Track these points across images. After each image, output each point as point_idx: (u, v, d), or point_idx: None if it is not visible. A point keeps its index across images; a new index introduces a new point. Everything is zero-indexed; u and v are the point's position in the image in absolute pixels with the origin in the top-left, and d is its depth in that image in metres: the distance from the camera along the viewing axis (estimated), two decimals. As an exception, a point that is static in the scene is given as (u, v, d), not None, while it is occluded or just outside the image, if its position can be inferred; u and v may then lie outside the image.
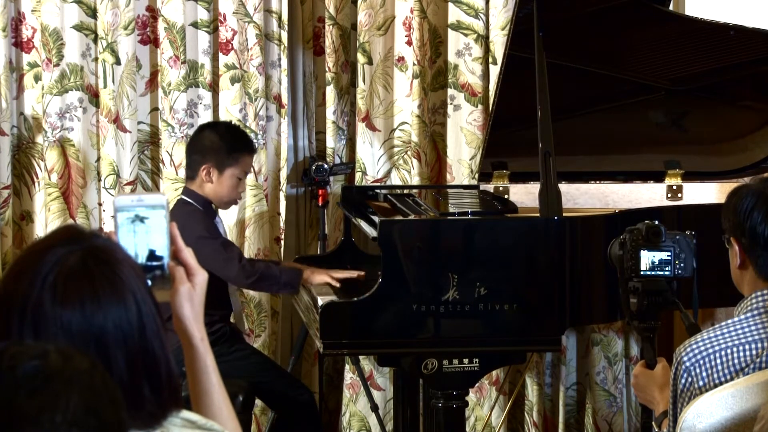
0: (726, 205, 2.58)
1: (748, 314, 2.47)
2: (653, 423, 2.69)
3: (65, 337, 1.49)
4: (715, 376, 2.42)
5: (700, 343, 2.44)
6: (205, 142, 3.96)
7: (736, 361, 2.42)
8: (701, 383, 2.42)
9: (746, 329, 2.45)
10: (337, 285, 3.77)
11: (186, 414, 1.63)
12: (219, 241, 3.89)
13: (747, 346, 2.43)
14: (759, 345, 2.43)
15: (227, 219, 4.53)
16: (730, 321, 2.49)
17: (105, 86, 4.53)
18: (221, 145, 3.94)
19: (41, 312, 1.50)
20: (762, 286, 2.49)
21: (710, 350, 2.43)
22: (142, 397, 1.52)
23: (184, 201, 3.97)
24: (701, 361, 2.42)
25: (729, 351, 2.42)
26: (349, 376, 4.59)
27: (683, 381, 2.44)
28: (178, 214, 3.80)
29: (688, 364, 2.43)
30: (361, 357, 4.40)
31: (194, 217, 3.86)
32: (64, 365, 1.29)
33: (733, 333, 2.45)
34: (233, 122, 4.39)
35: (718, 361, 2.42)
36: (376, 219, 3.66)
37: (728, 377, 2.41)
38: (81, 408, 1.26)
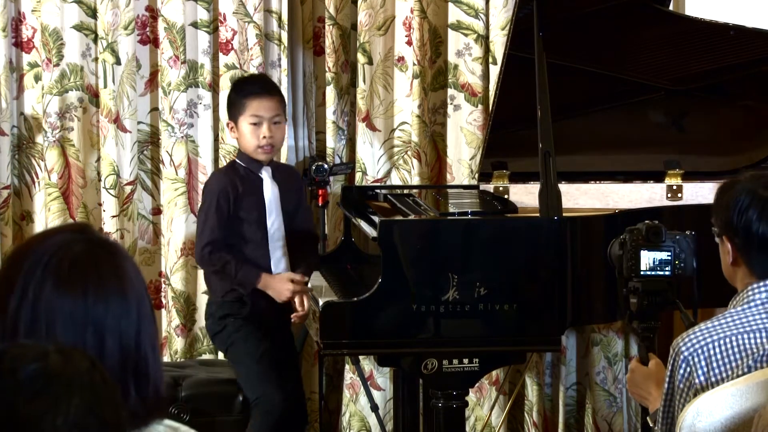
0: (717, 202, 2.58)
1: (745, 306, 2.48)
2: (648, 419, 2.70)
3: (62, 320, 1.49)
4: (714, 365, 2.42)
5: (698, 334, 2.44)
6: (227, 98, 4.10)
7: (736, 349, 2.43)
8: (700, 373, 2.42)
9: (744, 319, 2.45)
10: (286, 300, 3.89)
11: (169, 422, 1.63)
12: (202, 215, 3.99)
13: (746, 336, 2.43)
14: (758, 335, 2.43)
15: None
16: (727, 312, 2.50)
17: (105, 86, 4.53)
18: (230, 98, 4.05)
19: (42, 292, 1.50)
20: (756, 281, 2.49)
21: (708, 340, 2.43)
22: (128, 394, 1.52)
23: (232, 161, 4.12)
24: (699, 351, 2.42)
25: (728, 340, 2.43)
26: (349, 376, 4.59)
27: (681, 371, 2.44)
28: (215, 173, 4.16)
29: (686, 353, 2.43)
30: (361, 357, 4.40)
31: (215, 177, 4.09)
32: (65, 366, 1.29)
33: (731, 323, 2.45)
34: (256, 71, 4.46)
35: (717, 350, 2.42)
36: (376, 219, 3.66)
37: (727, 366, 2.42)
38: (81, 409, 1.27)
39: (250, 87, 4.02)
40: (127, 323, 1.52)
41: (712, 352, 2.42)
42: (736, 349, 2.42)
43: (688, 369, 2.43)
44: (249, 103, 3.94)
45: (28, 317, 1.49)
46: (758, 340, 2.42)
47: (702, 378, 2.42)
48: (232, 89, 4.08)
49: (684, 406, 2.43)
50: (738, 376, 2.40)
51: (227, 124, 4.07)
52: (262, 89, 4.01)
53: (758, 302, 2.46)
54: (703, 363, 2.42)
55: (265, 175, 4.01)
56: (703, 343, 2.43)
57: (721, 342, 2.42)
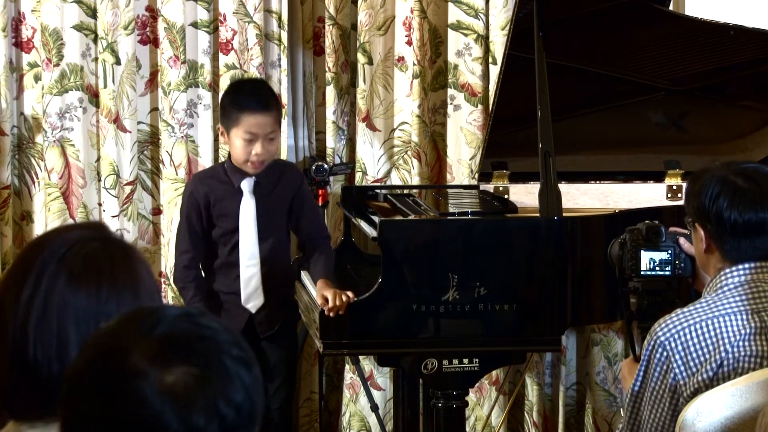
0: (689, 190, 2.60)
1: (719, 290, 2.51)
2: None
3: (74, 314, 1.50)
4: (691, 349, 2.45)
5: (674, 319, 2.48)
6: (221, 101, 3.92)
7: (712, 333, 2.46)
8: (677, 357, 2.45)
9: (718, 304, 2.48)
10: None
11: None
12: (179, 222, 3.87)
13: (721, 320, 2.46)
14: (733, 318, 2.45)
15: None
16: (702, 299, 2.52)
17: (105, 86, 4.53)
18: (223, 104, 3.81)
19: (55, 285, 1.51)
20: (729, 267, 2.52)
21: (684, 325, 2.46)
22: None
23: (221, 163, 3.95)
24: (676, 335, 2.45)
25: (703, 325, 2.46)
26: (349, 376, 4.59)
27: (658, 356, 2.47)
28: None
29: (663, 338, 2.46)
30: (361, 357, 4.40)
31: (191, 183, 3.92)
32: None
33: (707, 308, 2.48)
34: (258, 77, 4.36)
35: (693, 335, 2.45)
36: (376, 219, 3.66)
37: (704, 350, 2.45)
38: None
39: (247, 100, 3.72)
40: None
41: (688, 336, 2.45)
42: (712, 333, 2.45)
43: (665, 354, 2.46)
44: (244, 118, 3.68)
45: (41, 309, 1.50)
46: (733, 324, 2.45)
47: (679, 362, 2.44)
48: (228, 95, 3.84)
49: (659, 389, 2.46)
50: (714, 361, 2.43)
51: (218, 129, 3.91)
52: (259, 104, 3.71)
53: (731, 286, 2.49)
54: (680, 347, 2.45)
55: (246, 187, 3.78)
56: (679, 327, 2.45)
57: (697, 327, 2.45)
